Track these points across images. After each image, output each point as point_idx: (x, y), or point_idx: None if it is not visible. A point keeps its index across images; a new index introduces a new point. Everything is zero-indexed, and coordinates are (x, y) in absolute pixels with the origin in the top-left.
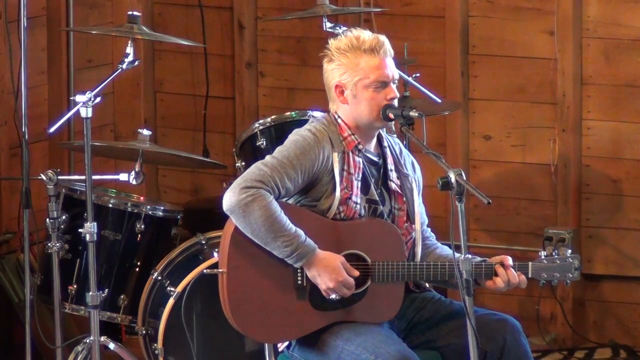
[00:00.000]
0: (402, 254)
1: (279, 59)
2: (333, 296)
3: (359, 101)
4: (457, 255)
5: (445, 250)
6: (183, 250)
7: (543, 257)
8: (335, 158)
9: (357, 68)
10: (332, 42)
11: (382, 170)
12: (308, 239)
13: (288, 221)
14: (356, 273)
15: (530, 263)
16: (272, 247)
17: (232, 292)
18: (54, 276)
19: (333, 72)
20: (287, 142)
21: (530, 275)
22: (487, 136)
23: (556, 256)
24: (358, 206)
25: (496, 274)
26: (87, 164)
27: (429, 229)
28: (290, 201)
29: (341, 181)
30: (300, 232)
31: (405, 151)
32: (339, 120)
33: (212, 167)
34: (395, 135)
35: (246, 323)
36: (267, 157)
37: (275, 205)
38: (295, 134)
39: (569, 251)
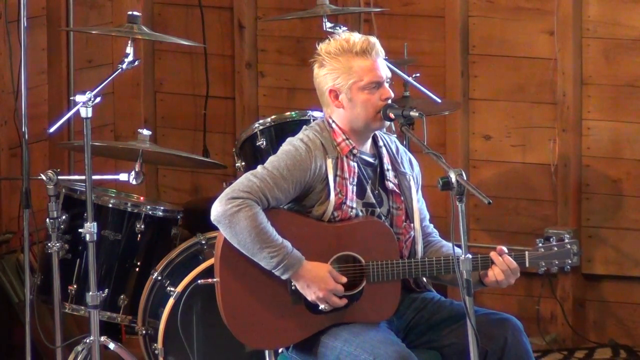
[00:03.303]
0: (396, 252)
1: (279, 59)
2: (323, 306)
3: (354, 104)
4: (456, 255)
5: (449, 247)
6: (183, 250)
7: (540, 245)
8: (329, 164)
9: (350, 71)
10: (321, 47)
11: (378, 170)
12: (295, 250)
13: (275, 232)
14: (344, 279)
15: (526, 252)
16: (258, 259)
17: (226, 301)
18: (54, 276)
19: (325, 77)
20: (279, 152)
21: (527, 265)
22: (487, 136)
23: (554, 243)
24: (354, 210)
25: (493, 262)
26: (87, 164)
27: (431, 225)
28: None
29: (335, 187)
30: (287, 243)
31: (402, 149)
32: (333, 125)
33: (212, 167)
34: (395, 135)
35: (243, 331)
36: (258, 168)
37: (262, 216)
38: (288, 144)
39: (567, 236)
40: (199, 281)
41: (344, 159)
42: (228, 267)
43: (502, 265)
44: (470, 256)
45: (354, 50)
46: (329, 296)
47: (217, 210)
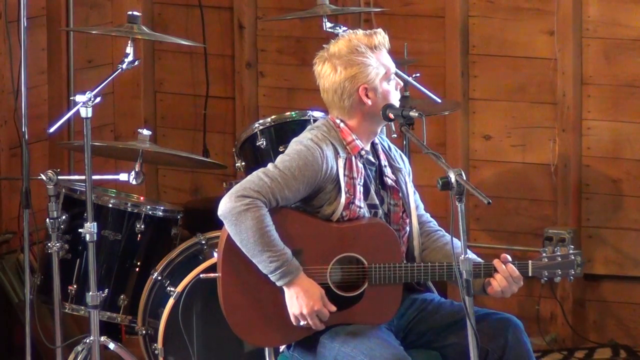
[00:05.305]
0: (399, 256)
1: (279, 59)
2: (302, 323)
3: (382, 98)
4: (456, 255)
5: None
6: (183, 250)
7: (544, 255)
8: (340, 164)
9: (379, 65)
10: (339, 47)
11: (377, 169)
12: (294, 259)
13: (278, 237)
14: (333, 308)
15: (530, 262)
16: (257, 261)
17: (227, 297)
18: (54, 276)
19: (356, 76)
20: (289, 151)
21: (530, 274)
22: (487, 136)
23: (558, 253)
24: (362, 210)
25: (495, 270)
26: (87, 164)
27: (427, 214)
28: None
29: (344, 187)
30: (288, 250)
31: (393, 145)
32: (342, 125)
33: (212, 167)
34: (395, 136)
35: (243, 328)
36: (270, 166)
37: (269, 219)
38: (299, 144)
39: (572, 247)
40: (201, 275)
41: (353, 159)
42: (231, 263)
43: (505, 273)
44: (470, 256)
45: (374, 44)
46: (312, 316)
47: (225, 206)
